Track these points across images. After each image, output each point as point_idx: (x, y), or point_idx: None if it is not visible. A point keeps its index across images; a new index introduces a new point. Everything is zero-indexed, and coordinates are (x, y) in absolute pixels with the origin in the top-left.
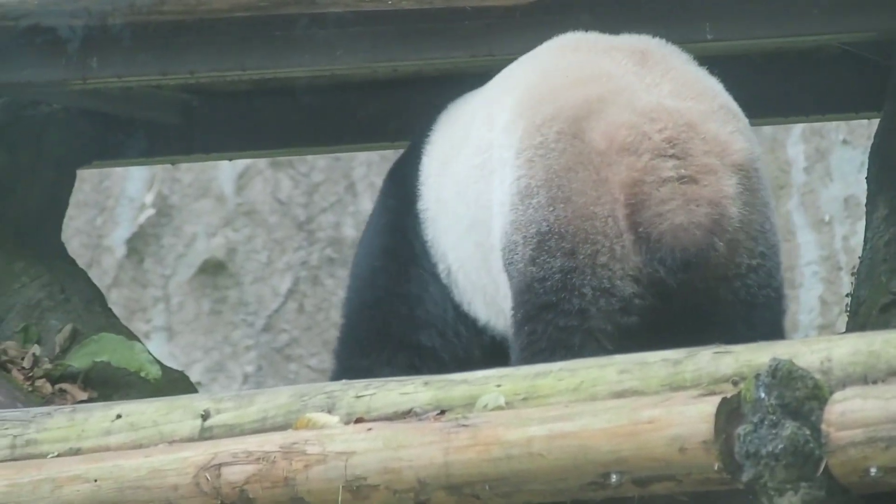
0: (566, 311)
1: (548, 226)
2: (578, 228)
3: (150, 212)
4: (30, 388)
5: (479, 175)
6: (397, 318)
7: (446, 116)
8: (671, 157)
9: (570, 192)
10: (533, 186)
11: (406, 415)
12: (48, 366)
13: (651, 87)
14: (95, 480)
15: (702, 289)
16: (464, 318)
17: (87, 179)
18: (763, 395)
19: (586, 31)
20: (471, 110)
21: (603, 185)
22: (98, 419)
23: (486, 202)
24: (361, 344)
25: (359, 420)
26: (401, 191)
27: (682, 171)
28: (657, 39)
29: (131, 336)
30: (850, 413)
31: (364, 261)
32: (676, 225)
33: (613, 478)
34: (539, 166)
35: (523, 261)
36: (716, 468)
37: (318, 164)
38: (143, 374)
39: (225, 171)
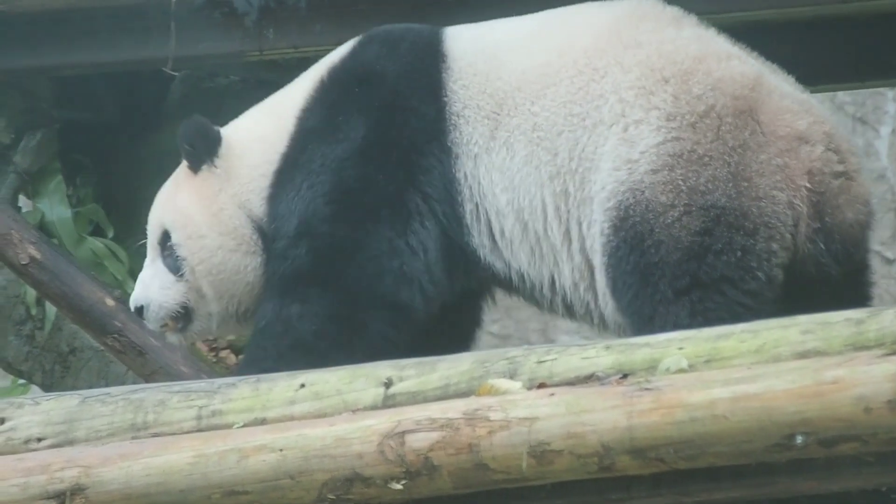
0: (746, 291)
1: (728, 200)
2: (762, 210)
3: None
4: (214, 359)
5: (578, 125)
6: (388, 273)
7: (475, 45)
8: (832, 151)
9: (751, 171)
10: (701, 154)
11: (588, 379)
12: (232, 337)
13: (768, 70)
14: (281, 450)
15: (841, 281)
16: (457, 265)
17: None
18: None
19: None
20: (543, 49)
21: (783, 171)
22: (282, 389)
23: (587, 154)
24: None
25: (541, 385)
26: (410, 115)
27: (842, 167)
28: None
29: None
30: None
31: (350, 198)
32: (848, 220)
33: (799, 439)
34: (709, 136)
35: (684, 228)
36: None
37: None
38: None
39: None
